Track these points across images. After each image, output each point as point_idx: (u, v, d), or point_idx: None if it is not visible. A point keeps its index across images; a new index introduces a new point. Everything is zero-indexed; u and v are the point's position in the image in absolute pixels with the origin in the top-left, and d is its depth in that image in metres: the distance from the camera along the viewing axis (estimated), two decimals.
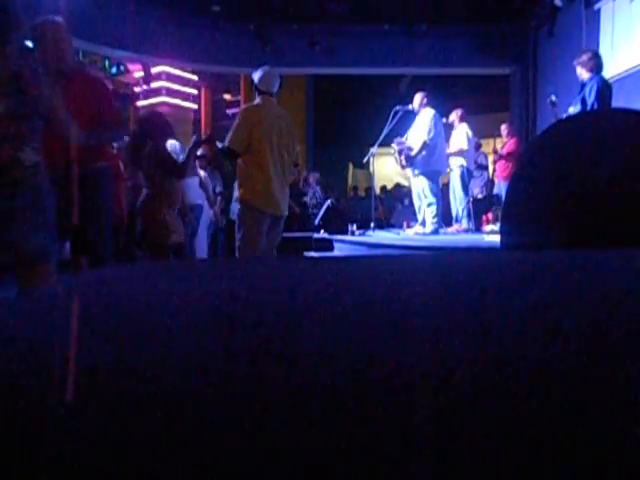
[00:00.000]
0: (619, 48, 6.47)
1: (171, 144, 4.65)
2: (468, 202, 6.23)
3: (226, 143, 3.33)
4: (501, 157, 6.96)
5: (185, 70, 11.98)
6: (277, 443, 0.20)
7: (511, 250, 0.75)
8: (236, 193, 3.63)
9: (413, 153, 5.30)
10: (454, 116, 6.28)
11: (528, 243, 0.72)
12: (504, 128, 7.19)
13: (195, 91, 12.75)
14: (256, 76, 3.50)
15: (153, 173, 3.33)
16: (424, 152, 5.29)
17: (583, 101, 4.12)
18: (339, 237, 5.56)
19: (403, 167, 5.46)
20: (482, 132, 7.84)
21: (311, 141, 13.18)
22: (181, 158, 3.72)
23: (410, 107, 5.51)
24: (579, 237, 0.65)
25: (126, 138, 3.71)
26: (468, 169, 6.19)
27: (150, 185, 3.36)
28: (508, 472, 0.18)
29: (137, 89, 12.02)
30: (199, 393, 0.23)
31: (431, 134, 5.27)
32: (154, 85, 11.66)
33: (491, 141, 7.25)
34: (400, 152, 5.33)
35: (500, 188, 6.88)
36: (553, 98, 5.06)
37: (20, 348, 0.29)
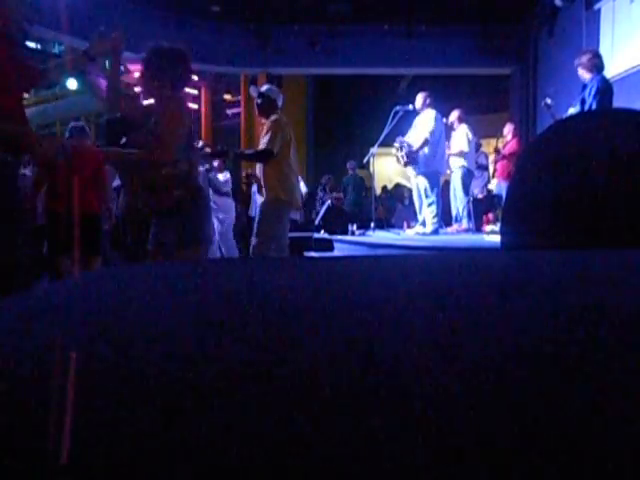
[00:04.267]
0: (619, 48, 6.47)
1: None
2: (468, 202, 6.23)
3: (267, 146, 3.72)
4: (503, 157, 6.94)
5: None
6: (276, 444, 0.20)
7: (511, 250, 0.75)
8: (258, 194, 3.88)
9: (415, 148, 5.29)
10: (453, 117, 6.27)
11: (528, 243, 0.72)
12: (507, 127, 7.16)
13: (195, 91, 12.74)
14: (273, 93, 3.97)
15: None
16: (426, 151, 5.29)
17: (583, 101, 4.13)
18: (339, 237, 5.56)
19: (405, 165, 5.45)
20: (482, 132, 7.83)
21: (311, 141, 13.18)
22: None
23: (410, 107, 5.51)
24: (579, 237, 0.65)
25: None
26: (469, 169, 6.18)
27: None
28: (508, 472, 0.18)
29: (137, 89, 12.01)
30: (198, 394, 0.23)
31: (433, 133, 5.27)
32: None
33: (491, 141, 7.24)
34: (401, 148, 5.33)
35: (500, 188, 6.87)
36: (548, 101, 5.06)
37: (20, 347, 0.29)
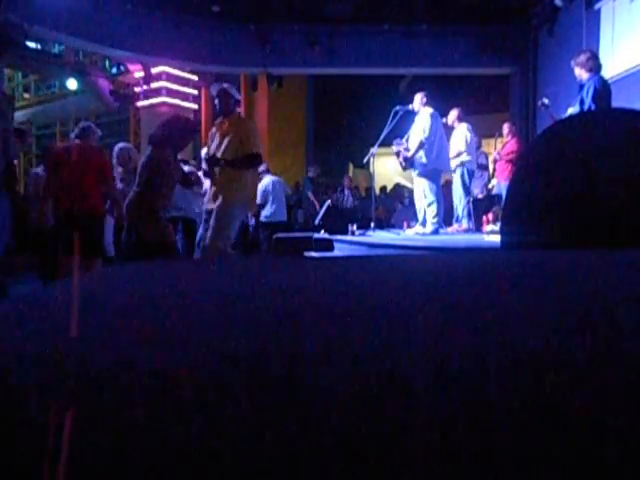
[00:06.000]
0: (619, 48, 6.47)
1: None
2: (468, 202, 6.22)
3: (254, 150, 3.76)
4: (502, 157, 6.94)
5: (185, 70, 11.97)
6: (278, 440, 0.20)
7: (511, 250, 0.75)
8: (220, 195, 3.81)
9: (410, 154, 5.32)
10: (452, 117, 6.25)
11: (528, 243, 0.72)
12: (506, 127, 7.15)
13: (195, 91, 12.73)
14: (232, 90, 4.02)
15: (152, 176, 3.38)
16: (422, 152, 5.30)
17: (582, 102, 4.12)
18: (339, 237, 5.56)
19: (404, 168, 5.49)
20: (482, 132, 7.81)
21: (311, 141, 13.17)
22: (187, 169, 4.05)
23: (410, 107, 5.50)
24: (578, 237, 0.65)
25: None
26: (469, 169, 6.17)
27: (149, 187, 3.40)
28: (507, 469, 0.18)
29: (137, 89, 12.02)
30: (201, 390, 0.23)
31: (427, 134, 5.27)
32: (154, 85, 11.65)
33: (491, 141, 7.23)
34: (398, 154, 5.37)
35: (500, 188, 6.86)
36: (545, 101, 5.05)
37: (25, 345, 0.29)
